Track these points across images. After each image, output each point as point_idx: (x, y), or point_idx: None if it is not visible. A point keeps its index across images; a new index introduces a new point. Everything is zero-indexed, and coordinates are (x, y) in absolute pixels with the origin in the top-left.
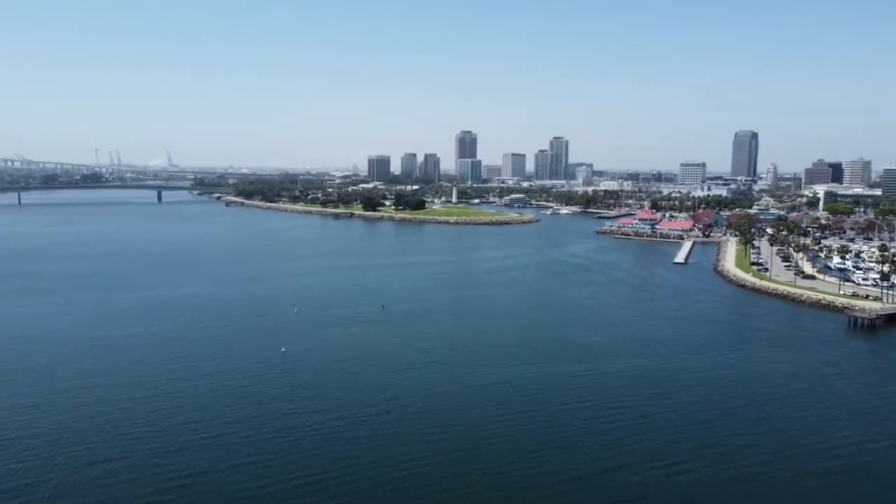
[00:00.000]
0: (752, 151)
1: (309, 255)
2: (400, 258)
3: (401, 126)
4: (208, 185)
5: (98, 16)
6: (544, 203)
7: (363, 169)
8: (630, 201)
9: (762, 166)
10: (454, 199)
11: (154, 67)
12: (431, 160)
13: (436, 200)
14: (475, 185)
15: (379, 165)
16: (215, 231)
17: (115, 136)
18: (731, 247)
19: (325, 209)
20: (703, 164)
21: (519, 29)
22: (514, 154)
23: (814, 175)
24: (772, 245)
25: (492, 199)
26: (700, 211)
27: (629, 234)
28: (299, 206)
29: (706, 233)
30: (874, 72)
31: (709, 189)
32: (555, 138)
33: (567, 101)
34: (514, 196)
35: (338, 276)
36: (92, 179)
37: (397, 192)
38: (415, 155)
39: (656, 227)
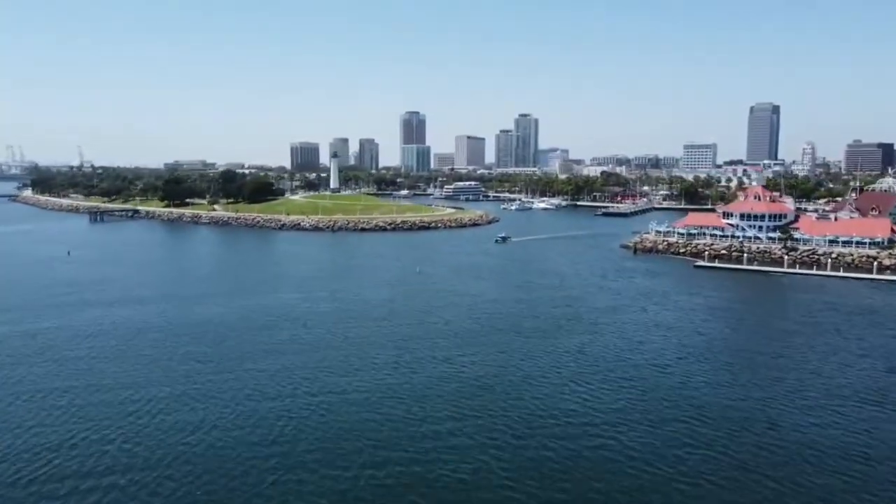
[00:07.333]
0: (773, 129)
1: None
2: None
3: (343, 111)
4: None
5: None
6: (507, 194)
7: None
8: (646, 188)
9: (787, 149)
10: (333, 185)
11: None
12: (368, 147)
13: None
14: (416, 174)
15: (304, 155)
16: None
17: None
18: None
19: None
20: (714, 145)
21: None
22: (469, 137)
23: (858, 157)
24: None
25: (430, 190)
26: (853, 196)
27: (724, 255)
28: (65, 201)
29: None
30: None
31: (744, 172)
32: (521, 116)
33: (535, 78)
34: (460, 184)
35: None
36: None
37: (224, 174)
38: (346, 141)
39: (808, 237)
